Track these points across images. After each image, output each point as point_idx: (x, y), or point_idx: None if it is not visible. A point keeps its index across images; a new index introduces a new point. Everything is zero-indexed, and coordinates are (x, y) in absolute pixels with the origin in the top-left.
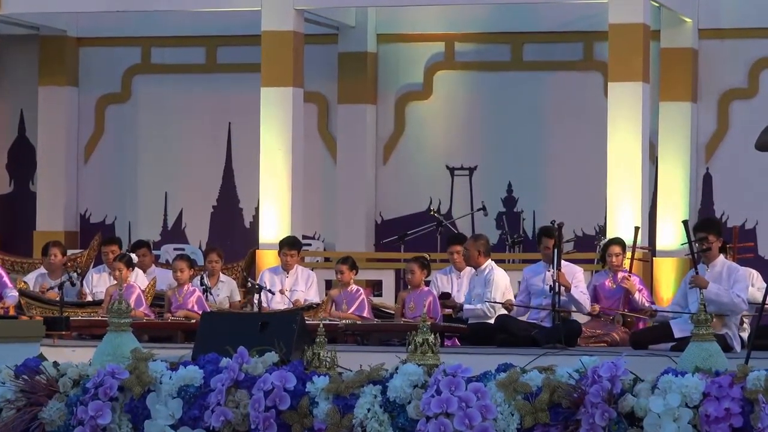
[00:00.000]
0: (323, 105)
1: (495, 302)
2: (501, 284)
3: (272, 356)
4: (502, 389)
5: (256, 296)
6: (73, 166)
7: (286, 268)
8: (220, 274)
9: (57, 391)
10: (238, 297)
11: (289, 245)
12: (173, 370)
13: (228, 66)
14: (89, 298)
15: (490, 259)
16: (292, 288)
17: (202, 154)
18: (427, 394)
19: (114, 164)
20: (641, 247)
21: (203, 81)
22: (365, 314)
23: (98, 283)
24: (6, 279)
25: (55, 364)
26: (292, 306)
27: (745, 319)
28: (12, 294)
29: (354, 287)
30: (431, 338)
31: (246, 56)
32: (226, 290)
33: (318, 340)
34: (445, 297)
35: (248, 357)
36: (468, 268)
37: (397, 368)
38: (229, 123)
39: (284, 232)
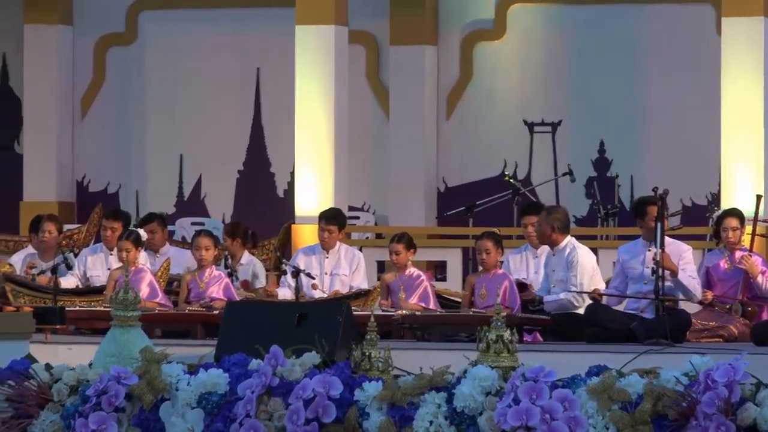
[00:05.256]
0: (373, 47)
1: (581, 291)
2: (588, 266)
3: (313, 357)
4: (594, 397)
5: (292, 281)
6: (68, 123)
7: (325, 246)
8: (245, 253)
9: (50, 400)
10: (261, 282)
11: (327, 219)
12: (192, 374)
13: None
14: (77, 284)
15: (569, 236)
16: (333, 271)
17: (224, 108)
18: (503, 403)
19: (117, 120)
20: (764, 220)
21: (225, 18)
22: (431, 305)
23: (93, 265)
24: None
25: (48, 366)
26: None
27: None
28: None
29: (413, 271)
30: (507, 334)
31: None
32: (246, 274)
33: (368, 336)
34: (520, 288)
35: (283, 358)
36: (545, 246)
37: (465, 371)
38: (258, 69)
39: (326, 203)
